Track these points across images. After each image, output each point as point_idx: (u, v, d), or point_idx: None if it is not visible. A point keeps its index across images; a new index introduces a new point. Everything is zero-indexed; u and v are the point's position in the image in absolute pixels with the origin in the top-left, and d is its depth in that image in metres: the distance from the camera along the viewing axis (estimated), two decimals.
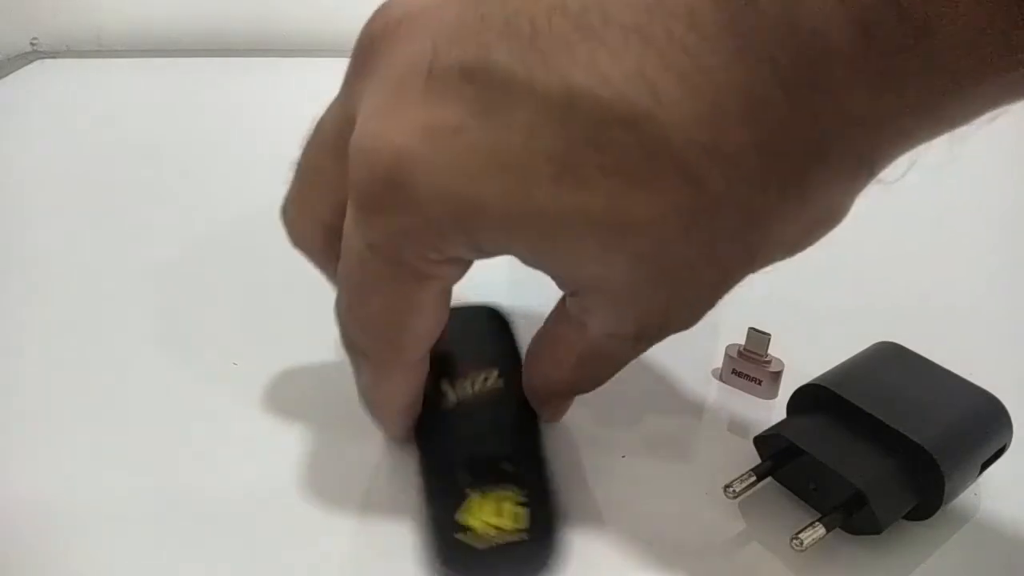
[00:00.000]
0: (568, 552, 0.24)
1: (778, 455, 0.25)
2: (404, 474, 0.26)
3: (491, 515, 0.22)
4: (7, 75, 0.67)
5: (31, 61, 0.70)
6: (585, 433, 0.28)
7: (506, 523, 0.22)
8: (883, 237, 0.42)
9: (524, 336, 0.29)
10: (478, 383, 0.26)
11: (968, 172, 0.51)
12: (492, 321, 0.30)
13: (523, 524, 0.22)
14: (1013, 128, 0.62)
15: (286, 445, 0.27)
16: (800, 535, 0.22)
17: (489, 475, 0.23)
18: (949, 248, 0.41)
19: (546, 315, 0.25)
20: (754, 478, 0.24)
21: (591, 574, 0.23)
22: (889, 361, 0.28)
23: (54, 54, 0.73)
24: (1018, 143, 0.55)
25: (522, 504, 0.22)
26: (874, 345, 0.29)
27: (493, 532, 0.21)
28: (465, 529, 0.21)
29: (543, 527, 0.22)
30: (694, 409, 0.30)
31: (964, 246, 0.41)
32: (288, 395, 0.30)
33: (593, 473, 0.27)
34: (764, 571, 0.23)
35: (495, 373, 0.27)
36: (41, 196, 0.46)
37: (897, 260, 0.40)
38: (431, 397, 0.26)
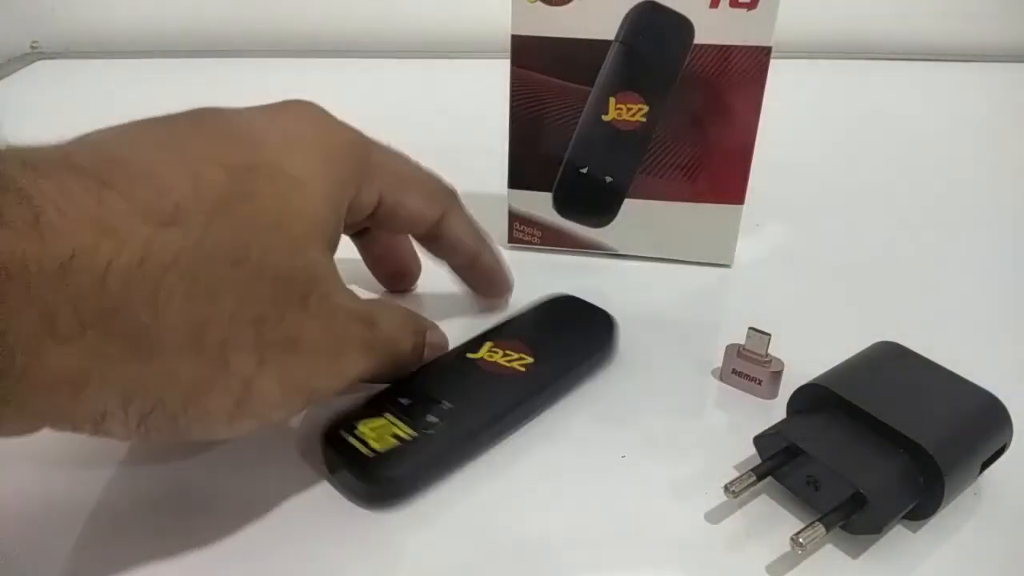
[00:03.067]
0: (568, 551, 0.24)
1: (778, 455, 0.25)
2: None
3: (375, 432, 0.26)
4: (7, 75, 0.67)
5: (31, 62, 0.70)
6: (585, 433, 0.28)
7: (374, 443, 0.25)
8: (883, 238, 0.42)
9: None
10: (509, 359, 0.30)
11: (968, 173, 0.51)
12: (590, 325, 0.32)
13: (380, 449, 0.25)
14: (1012, 129, 0.62)
15: (285, 442, 0.27)
16: (800, 535, 0.22)
17: (413, 415, 0.26)
18: (949, 248, 0.41)
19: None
20: (754, 478, 0.24)
21: (592, 573, 0.23)
22: (889, 361, 0.28)
23: (54, 55, 0.73)
24: (1018, 144, 0.56)
25: (400, 440, 0.25)
26: (874, 345, 0.29)
27: (360, 444, 0.25)
28: (353, 432, 0.26)
29: (389, 461, 0.25)
30: (694, 409, 0.30)
31: (964, 246, 0.41)
32: None
33: (593, 473, 0.27)
34: (764, 571, 0.23)
35: (530, 360, 0.29)
36: None
37: (897, 260, 0.40)
38: (469, 348, 0.30)
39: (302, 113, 0.27)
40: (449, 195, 0.32)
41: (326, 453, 0.26)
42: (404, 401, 0.27)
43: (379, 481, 0.25)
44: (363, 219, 0.29)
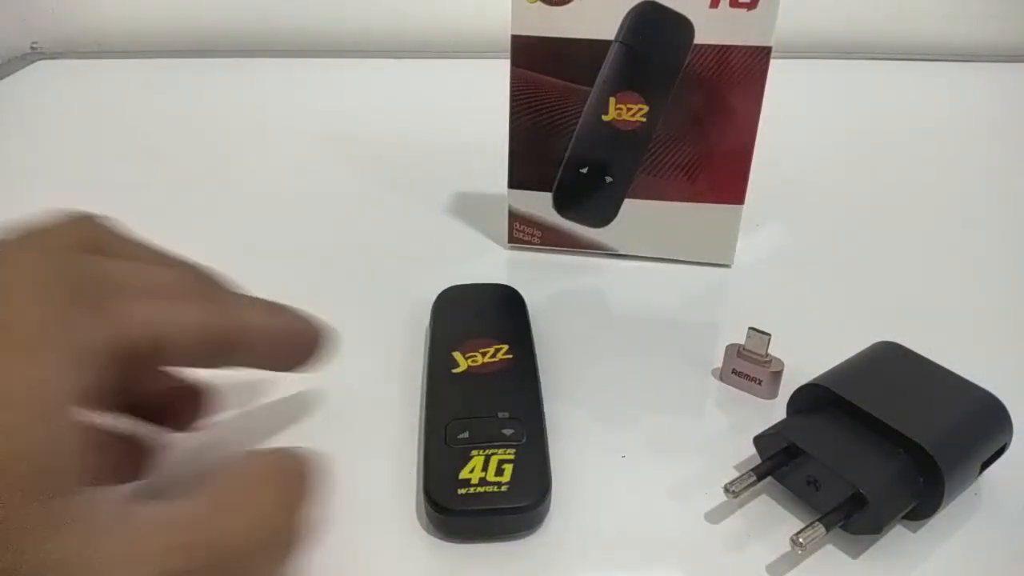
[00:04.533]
0: (565, 547, 0.24)
1: (778, 455, 0.25)
2: (406, 465, 0.26)
3: (486, 471, 0.25)
4: (7, 75, 0.67)
5: (31, 62, 0.70)
6: (585, 433, 0.28)
7: (496, 478, 0.24)
8: (883, 237, 0.42)
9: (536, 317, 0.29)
10: (488, 355, 0.29)
11: (968, 172, 0.51)
12: (509, 300, 0.34)
13: (507, 480, 0.24)
14: (1012, 129, 0.62)
15: (287, 439, 0.27)
16: (800, 535, 0.22)
17: (491, 438, 0.26)
18: (949, 248, 0.41)
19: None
20: (754, 478, 0.24)
21: (592, 574, 0.23)
22: (889, 361, 0.28)
23: (54, 55, 0.73)
24: (1017, 144, 0.56)
25: (511, 462, 0.25)
26: (874, 345, 0.29)
27: (486, 487, 0.24)
28: (468, 485, 0.24)
29: (524, 483, 0.24)
30: (694, 409, 0.30)
31: (964, 246, 0.41)
32: (289, 390, 0.30)
33: (593, 473, 0.27)
34: (764, 571, 0.23)
35: (506, 347, 0.30)
36: (41, 195, 0.46)
37: (897, 260, 0.40)
38: (444, 366, 0.29)
39: None
40: (204, 277, 0.23)
41: (451, 522, 0.24)
42: (463, 436, 0.26)
43: (533, 502, 0.24)
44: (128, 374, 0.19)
